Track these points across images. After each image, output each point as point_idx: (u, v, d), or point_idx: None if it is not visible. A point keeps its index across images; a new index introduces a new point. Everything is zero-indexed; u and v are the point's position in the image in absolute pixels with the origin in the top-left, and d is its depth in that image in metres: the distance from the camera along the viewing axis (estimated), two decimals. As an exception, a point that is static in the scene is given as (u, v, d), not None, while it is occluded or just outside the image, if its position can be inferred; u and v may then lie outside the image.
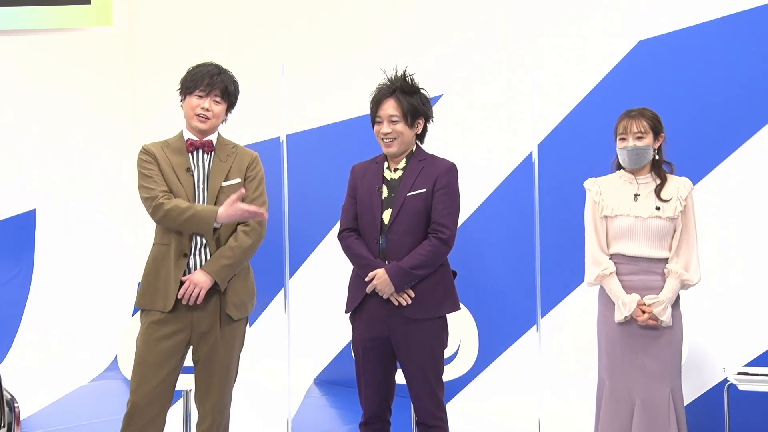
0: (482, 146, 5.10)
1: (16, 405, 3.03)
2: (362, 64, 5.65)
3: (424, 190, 3.14)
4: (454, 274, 3.29)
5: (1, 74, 6.63)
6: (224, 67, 3.36)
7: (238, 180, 3.26)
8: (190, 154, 3.26)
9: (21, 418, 3.12)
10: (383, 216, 3.18)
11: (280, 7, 6.17)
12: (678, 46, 4.37)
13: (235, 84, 3.37)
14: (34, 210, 6.67)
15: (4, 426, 2.91)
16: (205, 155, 3.27)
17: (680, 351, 3.41)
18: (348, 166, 6.23)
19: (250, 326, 5.27)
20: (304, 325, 5.64)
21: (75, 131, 6.76)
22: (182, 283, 3.14)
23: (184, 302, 3.14)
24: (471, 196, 5.05)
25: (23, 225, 6.63)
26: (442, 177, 3.16)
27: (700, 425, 4.22)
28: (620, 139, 3.39)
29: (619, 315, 3.33)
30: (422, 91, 3.23)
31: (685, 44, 4.34)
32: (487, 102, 5.08)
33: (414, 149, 3.25)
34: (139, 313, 3.27)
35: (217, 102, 3.27)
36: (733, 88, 4.20)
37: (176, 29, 6.63)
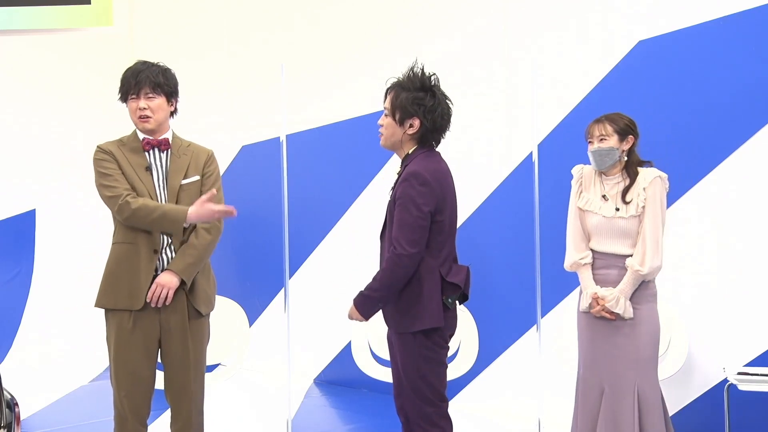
0: (482, 146, 5.10)
1: (16, 405, 3.04)
2: (362, 64, 5.65)
3: (390, 199, 3.07)
4: (465, 297, 3.14)
5: (1, 74, 6.62)
6: (154, 61, 3.30)
7: (197, 177, 3.25)
8: (146, 153, 3.25)
9: (21, 418, 3.12)
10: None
11: (280, 6, 6.17)
12: (678, 46, 4.37)
13: (165, 73, 3.28)
14: (34, 210, 6.66)
15: (4, 426, 2.91)
16: (162, 154, 3.27)
17: (650, 345, 3.46)
18: (348, 166, 6.27)
19: (250, 326, 5.28)
20: (304, 325, 5.64)
21: (75, 131, 6.75)
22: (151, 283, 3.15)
23: (153, 305, 3.15)
24: (471, 196, 5.05)
25: (23, 225, 6.62)
26: (399, 186, 3.01)
27: (700, 425, 4.22)
28: (588, 142, 3.57)
29: (584, 304, 3.52)
30: (435, 90, 3.05)
31: (685, 44, 4.34)
32: (487, 102, 5.07)
33: (410, 152, 3.09)
34: (104, 313, 3.27)
35: (150, 97, 3.22)
36: (733, 88, 4.19)
37: (176, 29, 6.62)
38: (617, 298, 3.40)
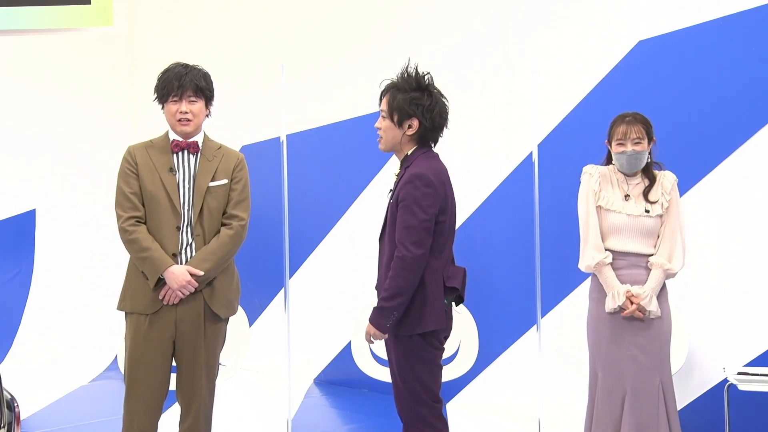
0: (482, 146, 5.10)
1: (16, 405, 3.04)
2: (362, 64, 5.65)
3: (392, 201, 3.03)
4: (460, 299, 3.13)
5: (1, 74, 6.62)
6: (191, 64, 3.33)
7: (225, 181, 3.28)
8: (174, 155, 3.27)
9: (21, 418, 3.13)
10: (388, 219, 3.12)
11: (280, 7, 6.17)
12: (678, 46, 4.37)
13: (206, 77, 3.32)
14: (34, 210, 6.66)
15: (4, 426, 2.91)
16: (191, 156, 3.29)
17: (668, 343, 3.48)
18: (348, 166, 6.27)
19: (250, 326, 5.28)
20: (304, 325, 5.64)
21: (75, 131, 6.75)
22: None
23: (165, 302, 3.18)
24: (471, 196, 5.05)
25: (23, 225, 6.62)
26: (402, 188, 2.97)
27: (700, 425, 4.22)
28: (618, 143, 3.45)
29: (612, 304, 3.40)
30: (431, 89, 3.04)
31: (685, 44, 4.34)
32: (487, 102, 5.07)
33: (410, 153, 3.07)
34: (124, 314, 3.31)
35: (192, 101, 3.26)
36: (733, 88, 4.20)
37: (176, 29, 6.62)
38: (650, 296, 3.37)
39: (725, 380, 3.97)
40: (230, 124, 6.27)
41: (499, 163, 5.04)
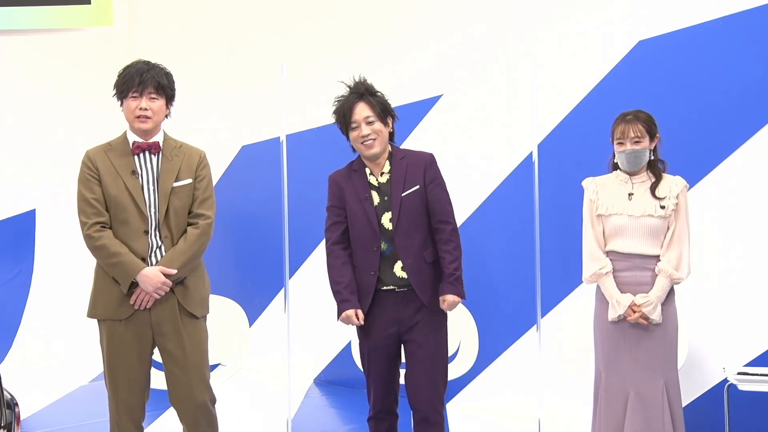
0: (482, 146, 5.10)
1: (16, 405, 3.04)
2: (362, 64, 5.64)
3: (418, 186, 3.24)
4: None
5: (1, 74, 6.62)
6: (153, 62, 3.31)
7: (189, 180, 3.24)
8: (136, 156, 3.22)
9: (21, 418, 3.13)
10: (382, 221, 3.23)
11: (280, 7, 6.17)
12: (678, 46, 4.37)
13: (168, 76, 3.30)
14: (34, 210, 6.67)
15: (4, 426, 2.91)
16: (152, 156, 3.24)
17: (674, 345, 3.47)
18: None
19: (250, 326, 5.26)
20: (304, 325, 5.64)
21: (75, 131, 6.75)
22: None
23: (136, 307, 3.15)
24: (471, 196, 5.05)
25: (23, 225, 6.62)
26: (429, 170, 3.29)
27: (700, 425, 4.22)
28: (618, 143, 3.48)
29: (613, 314, 3.42)
30: (379, 93, 3.35)
31: (685, 44, 4.34)
32: (487, 102, 5.07)
33: (391, 149, 3.35)
34: (97, 322, 3.27)
35: (153, 98, 3.22)
36: (733, 88, 4.20)
37: (176, 29, 6.62)
38: (654, 305, 3.36)
39: (725, 380, 3.97)
40: (230, 124, 6.28)
41: (499, 163, 5.04)
